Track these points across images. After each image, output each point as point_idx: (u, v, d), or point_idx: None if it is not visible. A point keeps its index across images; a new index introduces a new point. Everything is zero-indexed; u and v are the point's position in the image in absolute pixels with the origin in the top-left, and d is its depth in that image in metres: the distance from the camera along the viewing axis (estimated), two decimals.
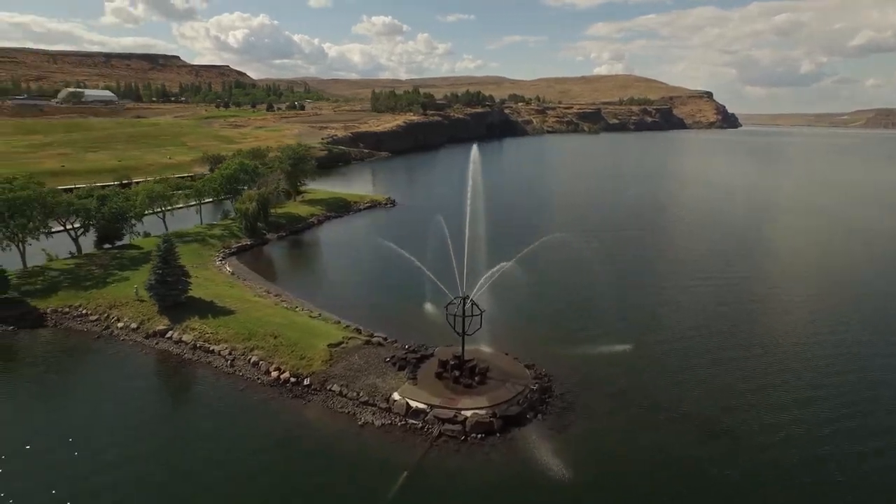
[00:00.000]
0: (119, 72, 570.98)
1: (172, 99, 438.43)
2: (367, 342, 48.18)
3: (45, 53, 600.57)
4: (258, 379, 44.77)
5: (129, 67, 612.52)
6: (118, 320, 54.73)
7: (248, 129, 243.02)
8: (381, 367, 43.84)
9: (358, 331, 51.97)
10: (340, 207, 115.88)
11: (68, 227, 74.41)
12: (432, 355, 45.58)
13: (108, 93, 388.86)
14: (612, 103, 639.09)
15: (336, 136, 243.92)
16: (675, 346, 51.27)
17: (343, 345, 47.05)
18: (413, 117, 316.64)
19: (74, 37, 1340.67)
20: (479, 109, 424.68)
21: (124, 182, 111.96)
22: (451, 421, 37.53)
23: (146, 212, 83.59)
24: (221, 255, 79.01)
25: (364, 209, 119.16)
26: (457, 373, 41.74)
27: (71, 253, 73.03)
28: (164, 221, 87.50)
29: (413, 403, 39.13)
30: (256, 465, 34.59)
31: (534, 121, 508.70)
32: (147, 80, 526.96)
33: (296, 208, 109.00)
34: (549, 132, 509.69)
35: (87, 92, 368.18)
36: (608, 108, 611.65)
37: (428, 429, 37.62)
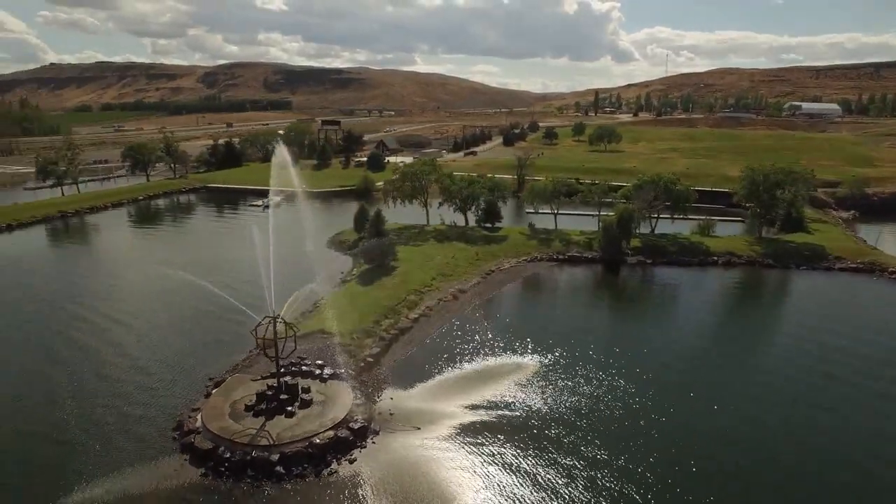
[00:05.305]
0: (884, 83, 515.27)
1: None
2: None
3: (811, 69, 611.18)
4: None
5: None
6: None
7: None
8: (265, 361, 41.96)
9: (385, 339, 48.38)
10: (804, 257, 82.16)
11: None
12: (324, 378, 39.35)
13: (831, 106, 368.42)
14: None
15: None
16: None
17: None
18: None
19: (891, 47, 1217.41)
20: None
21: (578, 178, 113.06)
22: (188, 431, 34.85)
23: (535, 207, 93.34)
24: (535, 257, 78.74)
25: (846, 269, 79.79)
26: (249, 400, 36.05)
27: (453, 222, 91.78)
28: (555, 218, 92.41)
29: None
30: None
31: None
32: None
33: (730, 242, 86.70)
34: None
35: (805, 105, 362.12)
36: None
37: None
